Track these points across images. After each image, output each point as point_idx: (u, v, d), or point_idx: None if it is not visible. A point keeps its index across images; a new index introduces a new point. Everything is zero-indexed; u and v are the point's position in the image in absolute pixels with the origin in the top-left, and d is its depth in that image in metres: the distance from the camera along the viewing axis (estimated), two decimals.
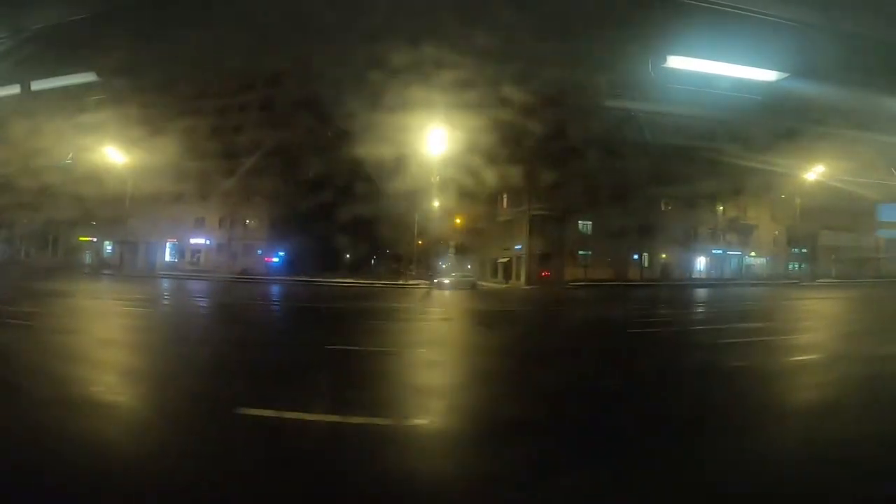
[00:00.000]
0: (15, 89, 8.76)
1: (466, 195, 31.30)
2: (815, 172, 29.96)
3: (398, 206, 27.15)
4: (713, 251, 31.14)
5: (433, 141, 24.93)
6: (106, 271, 28.89)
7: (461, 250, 32.04)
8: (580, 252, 29.53)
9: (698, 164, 29.02)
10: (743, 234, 31.69)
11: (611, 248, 29.23)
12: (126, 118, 26.56)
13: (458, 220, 30.52)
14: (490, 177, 32.52)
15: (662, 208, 30.87)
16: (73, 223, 29.99)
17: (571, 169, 29.24)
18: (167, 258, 31.00)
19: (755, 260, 32.01)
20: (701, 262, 31.36)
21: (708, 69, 7.34)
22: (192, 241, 30.53)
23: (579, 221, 29.64)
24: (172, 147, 27.65)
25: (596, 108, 30.83)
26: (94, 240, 31.47)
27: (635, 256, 30.12)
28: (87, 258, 31.66)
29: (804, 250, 34.06)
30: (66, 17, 7.37)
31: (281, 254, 30.27)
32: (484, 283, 28.31)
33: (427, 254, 29.20)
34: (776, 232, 32.54)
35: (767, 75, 7.53)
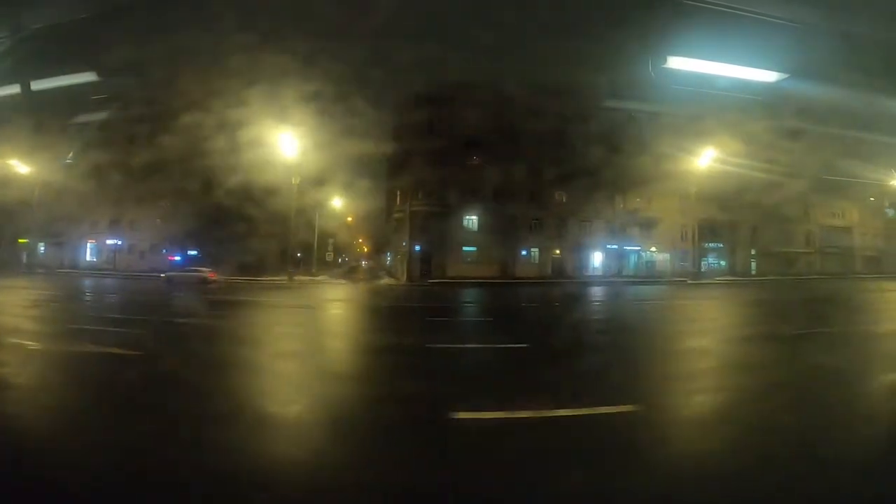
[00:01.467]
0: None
1: (364, 193, 32.05)
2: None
3: (289, 205, 28.02)
4: (607, 246, 30.27)
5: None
6: (40, 270, 31.41)
7: (355, 247, 32.58)
8: (465, 249, 29.46)
9: (597, 156, 28.50)
10: (645, 228, 30.66)
11: (497, 244, 29.05)
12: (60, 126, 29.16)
13: (349, 219, 31.14)
14: (384, 174, 33.15)
15: (556, 202, 30.36)
16: (14, 224, 32.84)
17: (457, 165, 29.36)
18: (87, 258, 33.25)
19: (658, 256, 30.81)
20: (596, 259, 30.56)
21: (707, 69, 7.53)
22: (108, 241, 32.62)
23: (465, 217, 29.54)
24: (93, 152, 29.93)
25: (487, 104, 30.95)
26: (29, 241, 34.10)
27: (524, 253, 29.74)
28: (24, 258, 34.33)
29: (720, 245, 32.50)
30: (65, 17, 7.49)
31: (189, 252, 31.85)
32: (381, 280, 28.86)
33: (319, 250, 29.91)
34: (686, 226, 31.23)
35: (767, 76, 7.71)
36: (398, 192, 30.46)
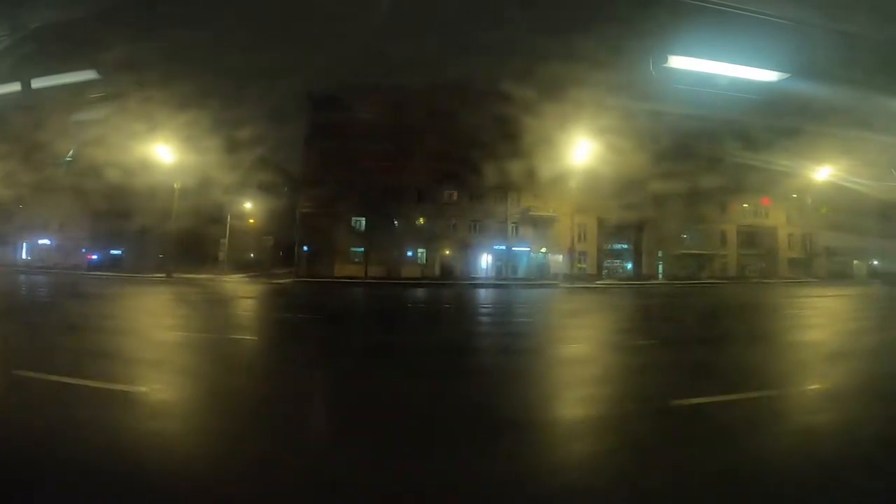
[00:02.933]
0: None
1: (267, 196, 33.04)
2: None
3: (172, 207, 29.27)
4: (496, 247, 29.93)
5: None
6: None
7: (261, 247, 33.59)
8: (353, 249, 29.88)
9: (489, 155, 28.40)
10: (540, 228, 30.12)
11: (385, 245, 29.32)
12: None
13: (252, 220, 32.16)
14: (283, 178, 34.09)
15: (445, 203, 30.32)
16: None
17: (347, 167, 29.85)
18: (23, 255, 35.85)
19: (552, 257, 30.16)
20: (485, 260, 30.27)
21: (708, 69, 7.42)
22: (39, 241, 35.10)
23: (353, 218, 29.98)
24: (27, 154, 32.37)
25: (381, 105, 31.31)
26: None
27: (409, 253, 29.87)
28: None
29: (625, 247, 31.47)
30: (67, 15, 7.50)
31: (112, 251, 33.85)
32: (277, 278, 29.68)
33: (212, 248, 31.03)
34: (585, 226, 30.49)
35: (768, 75, 7.55)
36: (293, 194, 31.27)
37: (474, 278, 29.06)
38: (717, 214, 31.59)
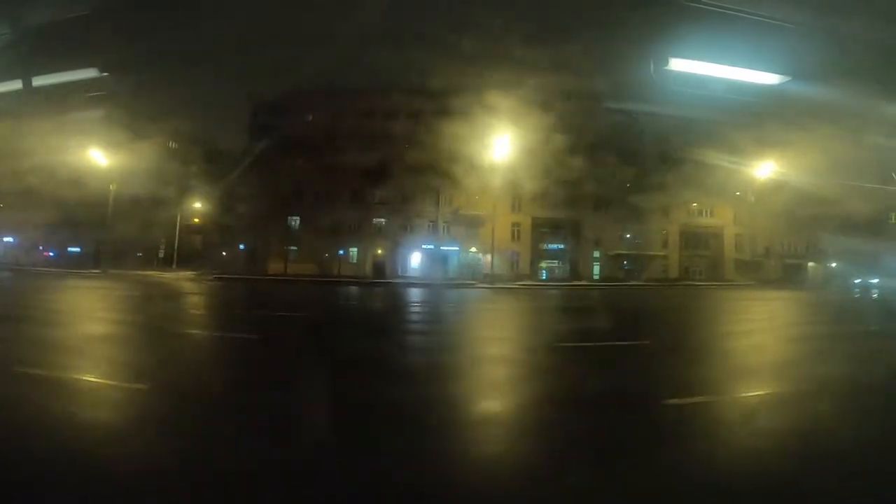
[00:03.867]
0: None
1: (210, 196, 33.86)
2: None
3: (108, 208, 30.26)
4: (424, 247, 29.90)
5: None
6: None
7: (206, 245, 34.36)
8: (288, 247, 30.35)
9: (422, 154, 28.57)
10: (471, 227, 29.96)
11: (317, 243, 29.70)
12: None
13: (195, 220, 33.01)
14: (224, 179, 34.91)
15: (378, 203, 30.50)
16: None
17: (282, 168, 30.44)
18: None
19: (483, 257, 29.91)
20: (415, 259, 30.27)
21: (710, 72, 7.47)
22: (4, 239, 36.81)
23: (288, 218, 30.48)
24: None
25: (317, 108, 31.82)
26: None
27: (341, 252, 30.15)
28: None
29: (561, 247, 30.97)
30: (67, 13, 7.49)
31: (70, 249, 35.27)
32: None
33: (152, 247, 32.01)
34: (519, 225, 30.23)
35: (770, 78, 7.63)
36: (231, 195, 31.96)
37: (402, 277, 29.07)
38: (658, 214, 30.76)
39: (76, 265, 30.37)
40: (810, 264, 32.62)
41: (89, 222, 29.87)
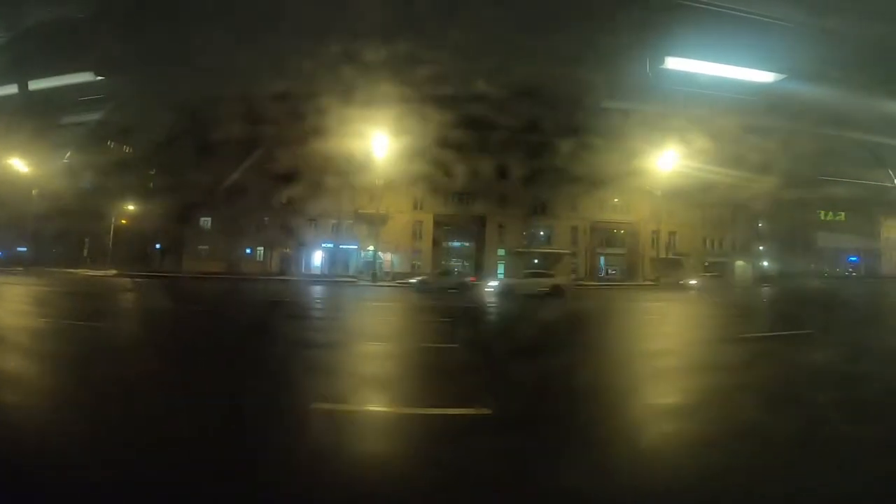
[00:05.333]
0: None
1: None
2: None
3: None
4: (324, 245, 30.22)
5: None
6: None
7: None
8: (199, 246, 31.44)
9: (326, 154, 29.01)
10: (373, 226, 30.02)
11: (225, 242, 30.65)
12: None
13: (123, 221, 34.69)
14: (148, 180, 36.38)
15: (283, 203, 31.04)
16: None
17: (194, 169, 31.51)
18: None
19: (384, 255, 29.90)
20: (318, 257, 30.64)
21: (705, 70, 7.68)
22: None
23: (199, 218, 31.55)
24: None
25: (229, 111, 32.60)
26: None
27: (248, 251, 30.96)
28: None
29: (466, 245, 30.51)
30: (64, 16, 7.57)
31: (19, 248, 38.01)
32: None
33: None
34: (422, 223, 30.06)
35: (764, 76, 7.83)
36: (148, 197, 33.39)
37: (303, 275, 29.57)
38: (567, 209, 29.75)
39: (4, 263, 32.62)
40: (739, 263, 30.64)
41: (19, 224, 32.05)
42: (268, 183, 31.05)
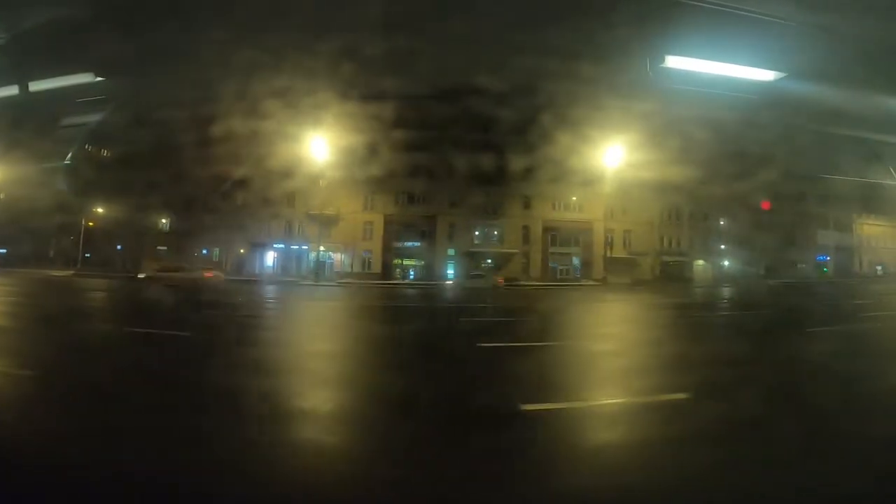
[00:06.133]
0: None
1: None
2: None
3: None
4: (276, 246, 30.35)
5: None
6: None
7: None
8: (158, 248, 32.00)
9: (279, 156, 29.28)
10: (324, 227, 30.06)
11: (184, 244, 31.13)
12: None
13: (91, 223, 35.53)
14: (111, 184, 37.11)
15: (240, 205, 31.33)
16: None
17: (153, 173, 32.09)
18: None
19: (334, 255, 29.87)
20: (270, 258, 30.82)
21: (704, 69, 7.68)
22: None
23: (159, 220, 32.13)
24: None
25: (182, 114, 33.06)
26: None
27: (204, 251, 31.32)
28: None
29: (417, 244, 30.21)
30: (64, 17, 7.47)
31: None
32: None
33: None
34: (373, 223, 29.96)
35: (765, 75, 7.88)
36: (109, 200, 34.11)
37: (256, 275, 29.82)
38: (519, 208, 29.20)
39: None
40: (699, 262, 29.59)
41: None
42: (223, 185, 31.53)
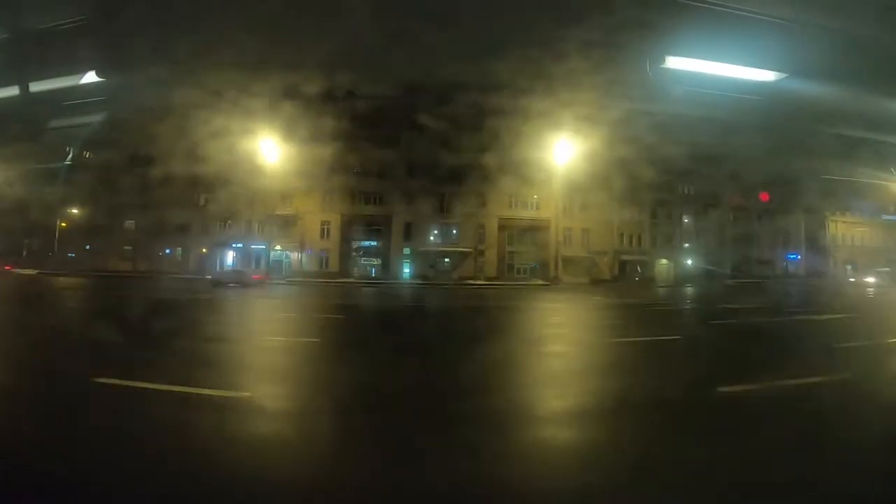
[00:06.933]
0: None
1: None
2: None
3: None
4: (234, 245, 30.63)
5: None
6: None
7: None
8: (125, 248, 32.70)
9: (239, 158, 29.74)
10: (283, 227, 30.27)
11: (148, 243, 31.76)
12: None
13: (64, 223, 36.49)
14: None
15: (201, 206, 31.79)
16: None
17: (116, 175, 32.88)
18: None
19: (292, 254, 29.99)
20: (231, 257, 31.10)
21: (705, 69, 7.65)
22: None
23: (124, 221, 32.82)
24: None
25: (150, 117, 33.81)
26: None
27: (168, 251, 31.85)
28: None
29: (375, 244, 30.11)
30: (65, 18, 7.45)
31: None
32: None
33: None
34: (329, 223, 30.03)
35: (765, 75, 7.87)
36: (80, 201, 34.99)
37: (214, 273, 30.12)
38: (475, 206, 28.85)
39: None
40: (661, 261, 28.75)
41: None
42: (186, 187, 32.05)
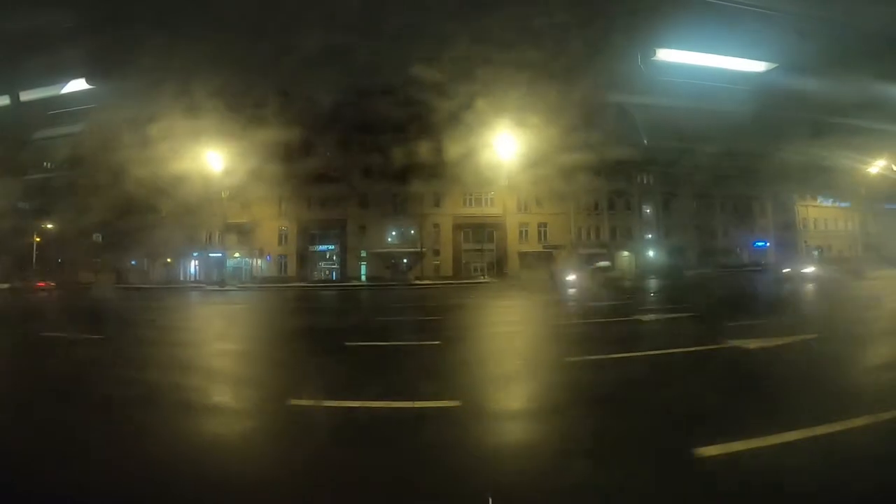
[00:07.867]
0: None
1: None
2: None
3: None
4: (195, 254, 30.93)
5: None
6: None
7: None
8: (93, 259, 33.31)
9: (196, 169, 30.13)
10: (242, 234, 30.43)
11: (114, 255, 32.32)
12: None
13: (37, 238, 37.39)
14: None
15: (161, 216, 32.17)
16: None
17: (82, 188, 33.56)
18: None
19: (251, 261, 30.14)
20: (193, 265, 31.42)
21: (695, 60, 7.52)
22: None
23: (92, 234, 33.48)
24: None
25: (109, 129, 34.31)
26: None
27: (133, 262, 32.35)
28: None
29: (332, 248, 30.03)
30: (55, 26, 7.53)
31: None
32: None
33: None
34: (286, 229, 30.10)
35: (756, 66, 7.79)
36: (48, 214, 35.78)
37: (179, 282, 30.56)
38: (428, 205, 28.49)
39: None
40: (623, 253, 27.93)
41: None
42: (148, 197, 32.50)
